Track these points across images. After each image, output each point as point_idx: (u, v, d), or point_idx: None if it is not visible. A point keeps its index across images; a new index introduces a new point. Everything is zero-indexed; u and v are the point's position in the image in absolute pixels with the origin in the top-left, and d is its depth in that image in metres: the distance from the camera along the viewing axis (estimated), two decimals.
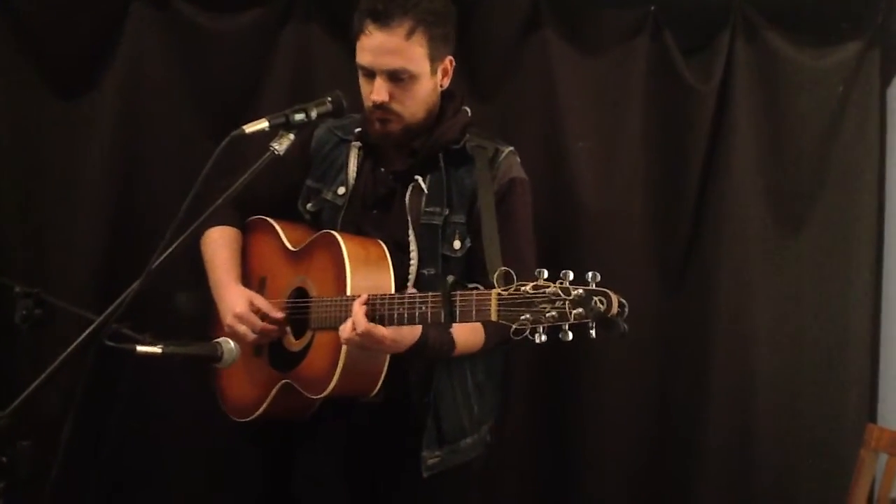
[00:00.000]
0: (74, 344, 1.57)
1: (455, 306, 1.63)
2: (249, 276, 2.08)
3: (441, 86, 1.96)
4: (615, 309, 1.46)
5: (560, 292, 1.48)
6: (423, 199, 1.93)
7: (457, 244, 1.91)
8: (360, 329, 1.70)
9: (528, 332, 1.48)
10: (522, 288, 1.52)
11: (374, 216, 1.97)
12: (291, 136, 1.73)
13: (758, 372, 2.54)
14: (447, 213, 1.92)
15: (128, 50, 2.39)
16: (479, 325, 1.82)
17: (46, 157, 2.42)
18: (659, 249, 2.56)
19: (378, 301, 1.73)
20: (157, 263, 1.60)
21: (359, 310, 1.72)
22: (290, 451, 2.07)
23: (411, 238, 1.91)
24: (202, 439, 2.44)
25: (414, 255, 1.90)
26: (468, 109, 2.02)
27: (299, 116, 1.74)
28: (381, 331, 1.71)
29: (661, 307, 2.56)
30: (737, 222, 2.53)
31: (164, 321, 2.20)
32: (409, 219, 1.92)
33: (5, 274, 2.32)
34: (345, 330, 1.73)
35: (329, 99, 1.82)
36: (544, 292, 1.48)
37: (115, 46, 2.39)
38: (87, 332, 1.58)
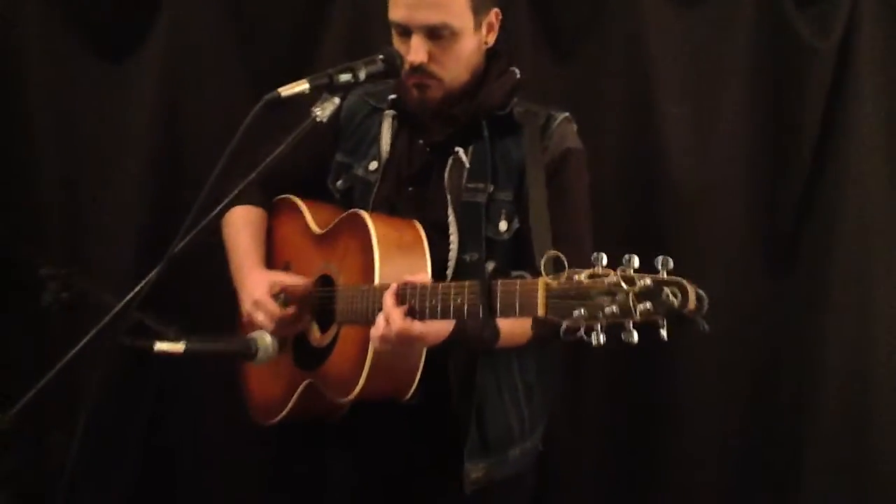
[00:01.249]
0: (83, 342, 1.39)
1: (495, 298, 1.40)
2: (273, 262, 1.89)
3: (486, 43, 1.73)
4: (692, 303, 1.18)
5: (622, 282, 1.20)
6: (465, 173, 1.71)
7: (503, 225, 1.69)
8: (395, 327, 1.49)
9: (582, 330, 1.23)
10: (576, 277, 1.26)
11: (409, 194, 1.76)
12: (336, 101, 1.53)
13: (874, 369, 2.31)
14: (492, 189, 1.70)
15: (172, 5, 2.25)
16: None
17: (91, 122, 2.29)
18: (764, 232, 2.34)
19: (409, 291, 1.51)
20: (179, 247, 1.42)
21: (391, 302, 1.51)
22: (320, 456, 1.88)
23: (451, 218, 1.69)
24: (230, 443, 2.29)
25: (454, 237, 1.69)
26: (517, 70, 1.79)
27: (345, 77, 1.53)
28: (418, 327, 1.50)
29: (765, 297, 2.34)
30: (856, 203, 2.30)
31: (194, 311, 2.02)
32: (449, 196, 1.70)
33: (44, 249, 2.19)
34: (377, 327, 1.52)
35: (381, 57, 1.59)
36: (603, 282, 1.22)
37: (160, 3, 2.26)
38: (99, 326, 1.40)
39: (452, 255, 1.68)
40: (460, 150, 1.71)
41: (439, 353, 1.60)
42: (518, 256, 1.65)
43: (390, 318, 1.50)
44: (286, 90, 1.47)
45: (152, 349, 1.43)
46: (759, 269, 2.33)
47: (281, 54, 2.28)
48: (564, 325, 1.24)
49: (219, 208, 1.43)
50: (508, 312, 1.38)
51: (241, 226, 1.86)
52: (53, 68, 2.25)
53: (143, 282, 1.41)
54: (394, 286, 1.52)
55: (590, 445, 2.32)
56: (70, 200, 2.28)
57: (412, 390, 1.64)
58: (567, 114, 1.76)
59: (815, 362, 2.31)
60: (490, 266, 1.42)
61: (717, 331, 2.20)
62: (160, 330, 1.51)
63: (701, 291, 1.20)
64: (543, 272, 1.29)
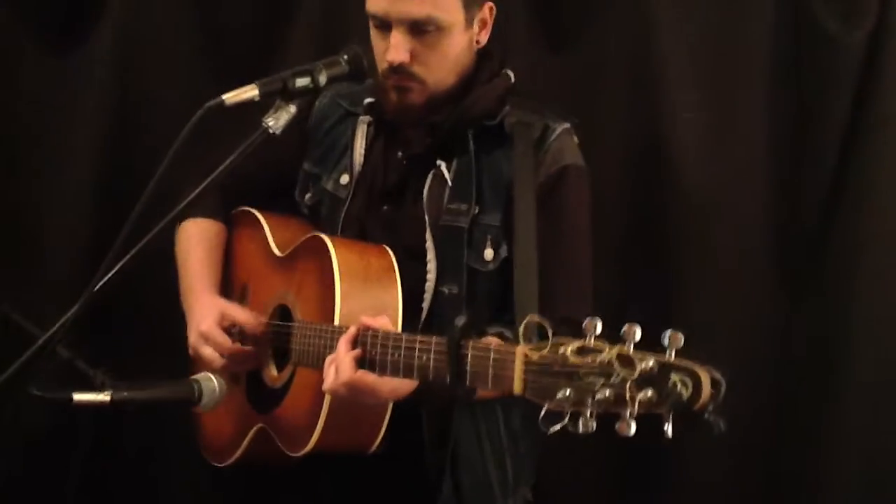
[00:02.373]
0: None
1: (465, 364, 1.20)
2: (231, 283, 1.71)
3: (477, 42, 1.56)
4: (706, 396, 0.97)
5: (617, 362, 1.00)
6: (447, 191, 1.52)
7: (488, 254, 1.52)
8: (342, 377, 1.34)
9: (567, 418, 1.03)
10: (562, 349, 1.05)
11: (383, 213, 1.59)
12: (293, 109, 1.34)
13: None
14: (476, 211, 1.52)
15: None
16: None
17: (36, 120, 2.15)
18: (785, 240, 2.17)
19: (370, 338, 1.34)
20: (101, 283, 1.23)
21: (344, 350, 1.35)
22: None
23: (429, 244, 1.52)
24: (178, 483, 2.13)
25: (431, 265, 1.51)
26: (510, 73, 1.61)
27: (303, 81, 1.34)
28: (370, 380, 1.34)
29: (786, 319, 2.18)
30: (889, 214, 2.12)
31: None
32: (427, 218, 1.52)
33: None
34: (326, 375, 1.36)
35: (345, 57, 1.40)
36: (595, 360, 1.02)
37: None
38: (9, 372, 1.20)
39: (429, 286, 1.51)
40: (442, 165, 1.54)
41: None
42: (505, 291, 1.45)
43: (339, 367, 1.33)
44: (231, 97, 1.30)
45: (70, 401, 1.23)
46: (781, 279, 2.18)
47: (246, 42, 2.14)
48: (545, 408, 1.04)
49: (149, 236, 1.25)
50: (479, 383, 1.19)
51: (195, 242, 1.68)
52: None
53: (59, 323, 1.23)
54: (352, 330, 1.35)
55: (586, 494, 2.16)
56: (13, 204, 2.12)
57: (377, 443, 1.46)
58: (567, 125, 1.56)
59: (842, 379, 2.14)
60: (460, 321, 1.21)
61: (734, 348, 2.12)
62: (86, 373, 1.33)
63: (717, 375, 0.99)
64: (521, 339, 1.10)
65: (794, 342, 2.17)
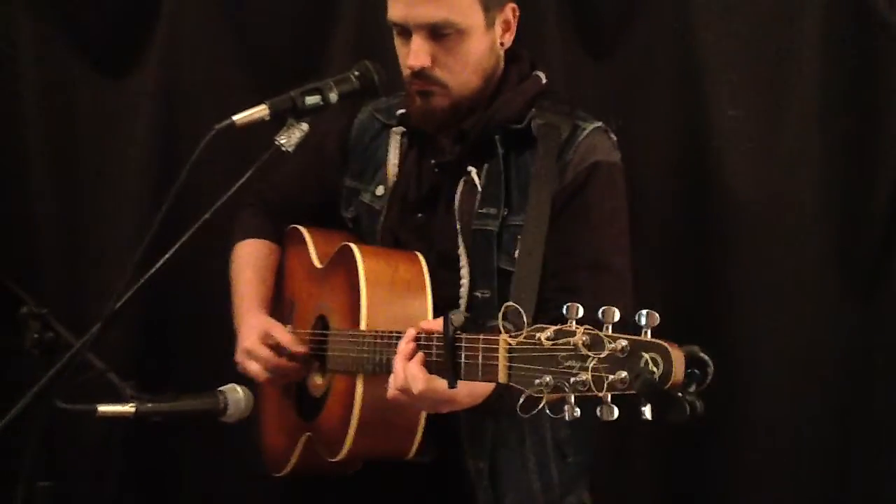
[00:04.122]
0: (21, 403, 1.26)
1: (459, 357, 1.18)
2: (281, 299, 1.74)
3: (501, 43, 1.54)
4: (677, 375, 0.93)
5: (590, 342, 0.97)
6: (478, 197, 1.52)
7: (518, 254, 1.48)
8: (417, 388, 1.28)
9: (543, 403, 1.00)
10: (538, 334, 1.04)
11: (417, 221, 1.59)
12: (304, 127, 1.38)
13: None
14: (505, 213, 1.51)
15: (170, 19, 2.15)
16: None
17: (89, 141, 2.22)
18: (841, 249, 2.09)
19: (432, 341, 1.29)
20: (121, 303, 1.28)
21: (407, 356, 1.29)
22: None
23: (461, 250, 1.51)
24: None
25: (465, 271, 1.51)
26: (541, 75, 1.59)
27: (312, 99, 1.37)
28: (442, 387, 1.26)
29: (845, 325, 2.09)
30: None
31: None
32: (459, 224, 1.51)
33: (34, 273, 2.11)
34: (392, 384, 1.32)
35: (355, 73, 1.43)
36: (568, 342, 0.99)
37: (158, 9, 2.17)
38: (38, 386, 1.27)
39: (464, 291, 1.50)
40: (473, 171, 1.53)
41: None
42: (539, 290, 1.42)
43: (411, 376, 1.28)
44: (242, 118, 1.35)
45: (96, 412, 1.29)
46: (837, 290, 2.08)
47: (285, 63, 2.16)
48: (523, 395, 1.02)
49: (162, 260, 1.30)
50: (472, 374, 1.18)
51: (245, 263, 1.73)
52: (52, 87, 2.18)
53: (85, 337, 1.29)
54: (411, 332, 1.31)
55: (637, 476, 2.11)
56: (67, 223, 2.20)
57: (414, 449, 1.46)
58: (599, 123, 1.54)
59: None
60: (458, 316, 1.20)
61: (787, 365, 2.03)
62: (116, 385, 1.39)
63: (703, 356, 0.95)
64: (501, 327, 1.08)
65: (851, 351, 2.06)
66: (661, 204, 2.06)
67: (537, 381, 1.01)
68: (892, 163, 2.04)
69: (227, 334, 1.71)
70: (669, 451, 2.11)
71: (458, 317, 1.19)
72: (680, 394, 0.94)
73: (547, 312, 1.29)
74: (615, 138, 1.56)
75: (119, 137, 2.18)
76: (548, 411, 1.02)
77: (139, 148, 2.17)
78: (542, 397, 1.01)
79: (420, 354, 1.28)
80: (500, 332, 1.10)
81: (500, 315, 1.10)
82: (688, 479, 2.12)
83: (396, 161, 1.61)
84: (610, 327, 0.98)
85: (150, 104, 2.16)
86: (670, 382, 0.93)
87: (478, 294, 1.49)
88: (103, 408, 1.29)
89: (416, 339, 1.30)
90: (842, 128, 2.05)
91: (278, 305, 1.72)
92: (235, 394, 1.41)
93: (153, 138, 2.16)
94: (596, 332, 0.98)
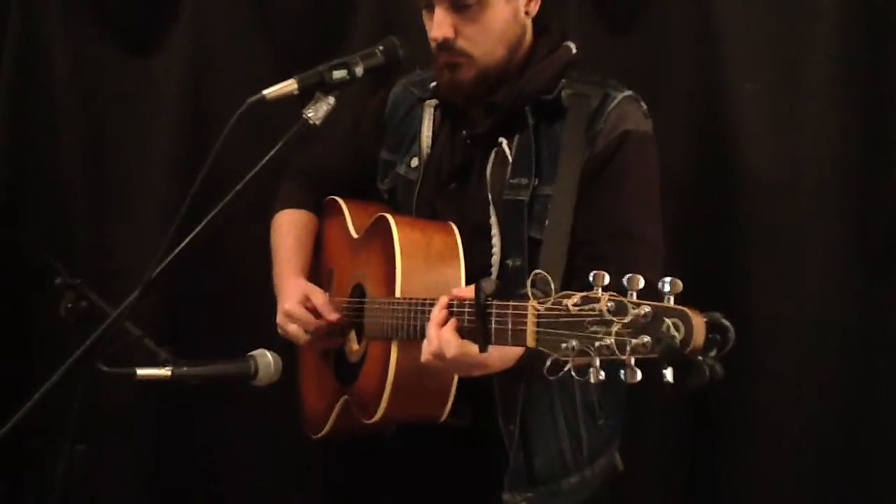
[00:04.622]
0: (64, 367, 1.31)
1: (490, 322, 1.22)
2: (320, 269, 1.80)
3: (526, 12, 1.55)
4: (698, 339, 0.97)
5: (615, 309, 1.01)
6: (508, 168, 1.54)
7: (549, 223, 1.49)
8: (450, 353, 1.31)
9: (569, 366, 1.04)
10: (565, 301, 1.07)
11: (450, 192, 1.62)
12: (331, 101, 1.40)
13: None
14: (536, 183, 1.52)
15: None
16: None
17: (117, 119, 2.24)
18: (859, 229, 2.05)
19: (464, 308, 1.32)
20: (157, 271, 1.33)
21: (440, 323, 1.33)
22: (374, 470, 1.79)
23: (493, 219, 1.53)
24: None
25: (496, 240, 1.53)
26: (571, 46, 1.60)
27: (339, 74, 1.40)
28: (473, 351, 1.30)
29: (862, 304, 2.05)
30: None
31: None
32: (490, 194, 1.54)
33: (67, 245, 2.16)
34: (426, 349, 1.36)
35: (380, 48, 1.45)
36: (594, 308, 1.03)
37: None
38: (80, 351, 1.32)
39: (495, 259, 1.54)
40: (504, 142, 1.55)
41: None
42: (569, 258, 1.45)
43: (445, 342, 1.32)
44: (272, 92, 1.38)
45: (134, 375, 1.34)
46: (854, 269, 2.05)
47: (309, 42, 2.18)
48: (549, 360, 1.07)
49: (198, 228, 1.34)
50: (502, 339, 1.22)
51: (286, 231, 1.78)
52: (79, 65, 2.20)
53: (123, 305, 1.34)
54: (444, 300, 1.34)
55: (659, 470, 2.11)
56: (96, 201, 2.23)
57: (447, 411, 1.50)
58: (629, 92, 1.55)
59: None
60: (489, 284, 1.23)
61: (805, 340, 2.02)
62: (152, 351, 1.44)
63: (724, 322, 0.99)
64: (531, 294, 1.12)
65: (873, 334, 2.04)
66: (678, 177, 2.01)
67: (564, 345, 1.05)
68: None
69: (256, 303, 1.76)
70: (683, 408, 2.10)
71: (489, 284, 1.23)
72: (700, 358, 0.97)
73: (577, 280, 1.31)
74: (645, 107, 1.56)
75: (148, 112, 2.20)
76: (574, 374, 1.05)
77: (168, 122, 2.18)
78: (568, 360, 1.05)
79: (453, 321, 1.31)
80: (529, 299, 1.13)
81: (529, 282, 1.13)
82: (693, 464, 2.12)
83: (430, 133, 1.65)
84: (634, 294, 1.02)
85: (177, 79, 2.17)
86: (690, 346, 0.96)
87: (509, 262, 1.52)
88: (142, 371, 1.35)
89: (449, 306, 1.33)
90: (861, 103, 2.02)
91: (317, 274, 1.76)
92: (265, 358, 1.46)
93: (180, 113, 2.18)
94: (620, 298, 1.02)
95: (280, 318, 1.66)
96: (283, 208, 1.79)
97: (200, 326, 2.16)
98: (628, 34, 2.08)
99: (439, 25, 1.48)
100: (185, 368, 1.38)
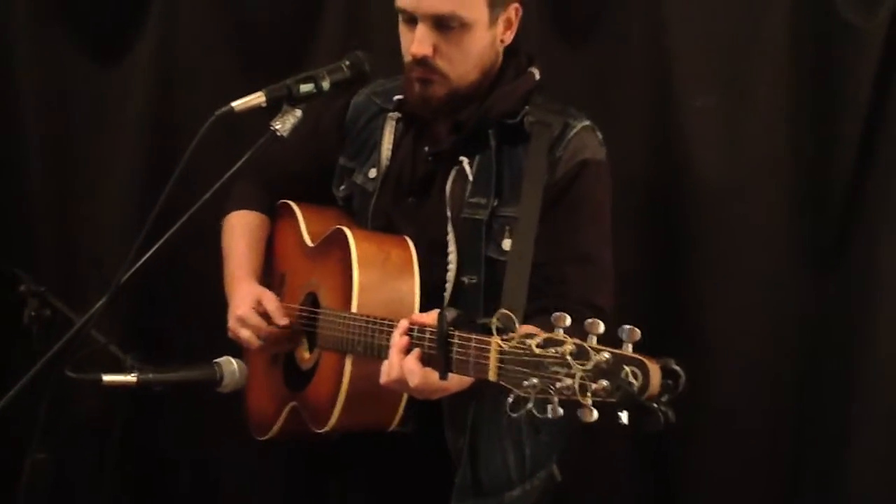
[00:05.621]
0: (29, 375, 1.32)
1: (451, 352, 1.26)
2: (271, 273, 1.80)
3: (502, 41, 1.59)
4: (654, 386, 1.03)
5: (577, 353, 1.06)
6: (468, 186, 1.57)
7: (506, 244, 1.54)
8: (413, 382, 1.34)
9: (531, 403, 1.09)
10: (528, 341, 1.12)
11: (408, 206, 1.64)
12: (298, 113, 1.44)
13: None
14: (495, 203, 1.55)
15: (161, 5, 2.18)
16: None
17: (82, 126, 2.25)
18: (805, 237, 2.12)
19: (425, 334, 1.35)
20: (124, 279, 1.34)
21: (402, 350, 1.35)
22: (315, 477, 1.83)
23: (450, 236, 1.56)
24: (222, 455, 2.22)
25: (453, 257, 1.56)
26: (536, 72, 1.64)
27: (306, 87, 1.44)
28: (434, 379, 1.33)
29: (808, 308, 2.12)
30: None
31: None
32: (449, 211, 1.57)
33: (29, 255, 2.16)
34: (389, 374, 1.37)
35: (347, 63, 1.50)
36: (556, 351, 1.08)
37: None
38: (46, 358, 1.33)
39: (450, 276, 1.56)
40: (465, 161, 1.58)
41: None
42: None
43: (409, 371, 1.34)
44: (240, 104, 1.41)
45: (101, 381, 1.36)
46: (800, 273, 2.12)
47: (276, 48, 2.19)
48: (511, 396, 1.11)
49: (168, 234, 1.36)
50: (463, 370, 1.26)
51: (239, 233, 1.78)
52: (44, 73, 2.20)
53: (91, 312, 1.35)
54: (404, 324, 1.36)
55: (612, 458, 2.16)
56: (61, 208, 2.23)
57: (396, 421, 1.54)
58: (588, 122, 1.60)
59: (860, 370, 2.09)
60: (451, 313, 1.27)
61: (758, 335, 2.08)
62: (118, 357, 1.46)
63: (676, 368, 1.04)
64: (494, 331, 1.17)
65: (819, 335, 2.11)
66: (630, 191, 2.06)
67: (525, 382, 1.10)
68: (848, 150, 2.06)
69: (218, 311, 1.75)
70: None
71: (451, 313, 1.27)
72: (655, 404, 1.03)
73: (533, 300, 1.37)
74: (601, 136, 1.61)
75: (113, 121, 2.20)
76: (534, 410, 1.10)
77: (133, 132, 2.19)
78: (529, 397, 1.09)
79: (417, 351, 1.33)
80: (493, 333, 1.18)
81: (494, 320, 1.17)
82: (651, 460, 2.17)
83: (390, 145, 1.66)
84: (595, 339, 1.07)
85: (143, 88, 2.17)
86: (647, 393, 1.02)
87: (465, 279, 1.55)
88: (108, 377, 1.37)
89: (409, 331, 1.35)
90: (804, 117, 2.07)
91: (267, 277, 1.77)
92: (230, 365, 1.49)
93: (146, 122, 2.18)
94: (582, 343, 1.07)
95: (232, 323, 1.66)
96: (236, 209, 1.79)
97: (166, 333, 2.17)
98: (584, 47, 2.12)
99: (420, 42, 1.50)
100: (150, 375, 1.40)
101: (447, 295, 1.55)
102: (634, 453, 2.17)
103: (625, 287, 1.96)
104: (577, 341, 1.07)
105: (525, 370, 1.11)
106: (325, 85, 1.44)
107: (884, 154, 2.05)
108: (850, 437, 2.08)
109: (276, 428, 1.70)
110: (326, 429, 1.53)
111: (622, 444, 2.16)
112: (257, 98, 1.39)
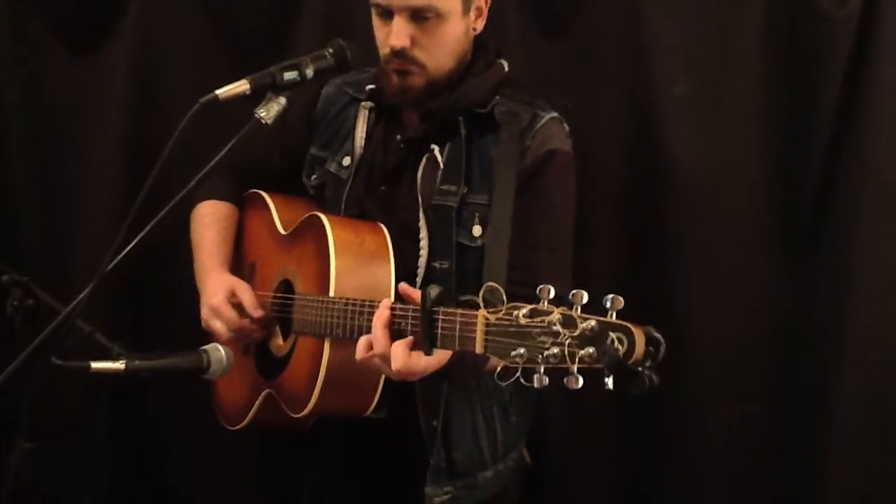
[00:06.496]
0: (16, 362, 1.33)
1: (436, 328, 1.28)
2: (241, 262, 1.81)
3: (474, 29, 1.63)
4: (639, 352, 1.06)
5: (564, 322, 1.10)
6: (439, 174, 1.60)
7: (476, 230, 1.59)
8: (396, 366, 1.36)
9: (518, 372, 1.12)
10: (515, 312, 1.16)
11: (381, 193, 1.67)
12: (282, 101, 1.45)
13: None
14: (465, 191, 1.59)
15: None
16: None
17: (63, 117, 2.25)
18: (779, 223, 2.13)
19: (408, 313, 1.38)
20: (112, 264, 1.35)
21: (384, 323, 1.37)
22: (292, 465, 1.83)
23: (422, 222, 1.60)
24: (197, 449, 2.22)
25: (424, 243, 1.60)
26: (504, 63, 1.68)
27: (290, 75, 1.45)
28: (422, 361, 1.35)
29: (782, 294, 2.13)
30: (884, 185, 2.06)
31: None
32: (420, 198, 1.60)
33: (13, 246, 2.15)
34: (376, 348, 1.40)
35: (329, 51, 1.50)
36: (543, 321, 1.11)
37: None
38: (33, 345, 1.34)
39: (422, 262, 1.60)
40: (436, 149, 1.61)
41: None
42: None
43: (396, 356, 1.36)
44: (224, 92, 1.41)
45: (88, 369, 1.37)
46: (777, 259, 2.13)
47: (257, 38, 2.19)
48: (500, 365, 1.14)
49: (152, 223, 1.37)
50: (448, 344, 1.28)
51: (208, 223, 1.79)
52: (22, 62, 2.19)
53: (76, 300, 1.36)
54: (386, 310, 1.38)
55: (589, 450, 2.17)
56: (44, 199, 2.22)
57: (373, 405, 1.56)
58: (555, 114, 1.64)
59: (838, 355, 2.10)
60: (433, 290, 1.29)
61: (733, 326, 2.11)
62: (105, 345, 1.47)
63: (657, 335, 1.08)
64: (482, 304, 1.19)
65: (793, 323, 2.12)
66: (606, 181, 2.09)
67: (513, 352, 1.13)
68: (822, 143, 2.08)
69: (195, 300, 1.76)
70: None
71: (434, 290, 1.29)
72: (640, 368, 1.06)
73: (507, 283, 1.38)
74: (568, 128, 1.65)
75: (93, 111, 2.19)
76: (522, 379, 1.12)
77: (115, 120, 2.17)
78: (517, 367, 1.12)
79: (409, 338, 1.35)
80: (480, 307, 1.20)
81: (482, 293, 1.20)
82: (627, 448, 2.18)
83: (363, 134, 1.69)
84: (579, 308, 1.10)
85: (124, 76, 2.16)
86: (633, 358, 1.06)
87: (436, 265, 1.58)
88: (96, 364, 1.37)
89: (392, 308, 1.38)
90: (780, 108, 2.08)
91: (237, 266, 1.78)
92: (217, 352, 1.49)
93: (128, 110, 2.17)
94: (569, 312, 1.10)
95: (205, 313, 1.67)
96: (205, 198, 1.79)
97: (150, 322, 2.17)
98: (562, 39, 2.13)
99: (398, 34, 1.54)
100: (138, 362, 1.40)
101: (419, 280, 1.59)
102: (610, 445, 2.19)
103: (598, 278, 2.02)
104: (564, 310, 1.10)
105: (512, 340, 1.14)
106: (309, 72, 1.45)
107: (857, 143, 2.08)
108: (826, 424, 2.10)
109: (249, 416, 1.72)
110: (305, 412, 1.55)
111: (599, 437, 2.18)
112: (241, 86, 1.40)
